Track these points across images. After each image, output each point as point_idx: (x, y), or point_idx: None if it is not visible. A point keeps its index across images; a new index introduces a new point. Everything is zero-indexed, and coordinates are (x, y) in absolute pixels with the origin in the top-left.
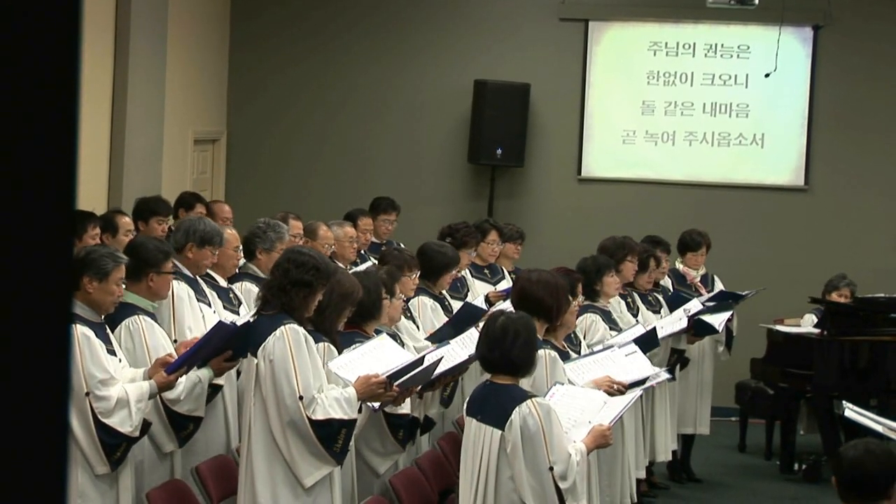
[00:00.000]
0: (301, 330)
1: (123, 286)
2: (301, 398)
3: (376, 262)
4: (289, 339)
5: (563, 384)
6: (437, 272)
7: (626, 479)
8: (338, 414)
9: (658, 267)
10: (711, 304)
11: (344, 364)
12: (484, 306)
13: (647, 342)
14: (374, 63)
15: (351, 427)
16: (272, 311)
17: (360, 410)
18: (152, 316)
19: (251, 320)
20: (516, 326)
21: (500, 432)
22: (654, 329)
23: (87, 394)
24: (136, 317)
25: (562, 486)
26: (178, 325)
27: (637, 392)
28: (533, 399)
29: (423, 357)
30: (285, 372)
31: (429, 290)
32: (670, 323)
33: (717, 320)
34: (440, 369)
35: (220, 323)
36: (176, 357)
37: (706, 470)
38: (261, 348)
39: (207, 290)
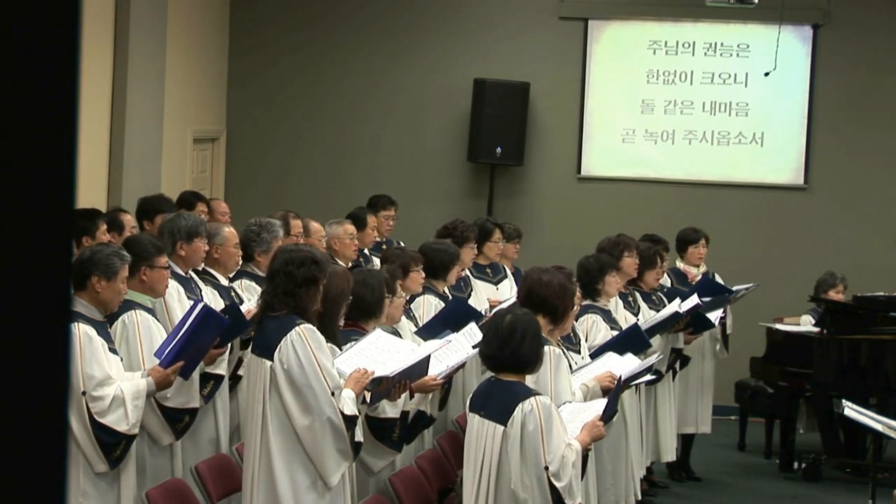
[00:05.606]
0: (315, 329)
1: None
2: (333, 394)
3: (378, 260)
4: (307, 339)
5: (570, 402)
6: (444, 268)
7: (629, 478)
8: (353, 410)
9: (663, 263)
10: (707, 299)
11: (343, 361)
12: (485, 309)
13: (636, 343)
14: (375, 62)
15: (356, 422)
16: (280, 313)
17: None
18: (151, 312)
19: (243, 306)
20: (524, 324)
21: (502, 428)
22: (637, 327)
23: (84, 393)
24: (133, 311)
25: (557, 485)
26: (172, 322)
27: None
28: (536, 397)
29: (429, 357)
30: (314, 372)
31: (433, 289)
32: (660, 315)
33: (713, 315)
34: (453, 363)
35: (207, 309)
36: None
37: (705, 468)
38: (277, 350)
39: (208, 289)
